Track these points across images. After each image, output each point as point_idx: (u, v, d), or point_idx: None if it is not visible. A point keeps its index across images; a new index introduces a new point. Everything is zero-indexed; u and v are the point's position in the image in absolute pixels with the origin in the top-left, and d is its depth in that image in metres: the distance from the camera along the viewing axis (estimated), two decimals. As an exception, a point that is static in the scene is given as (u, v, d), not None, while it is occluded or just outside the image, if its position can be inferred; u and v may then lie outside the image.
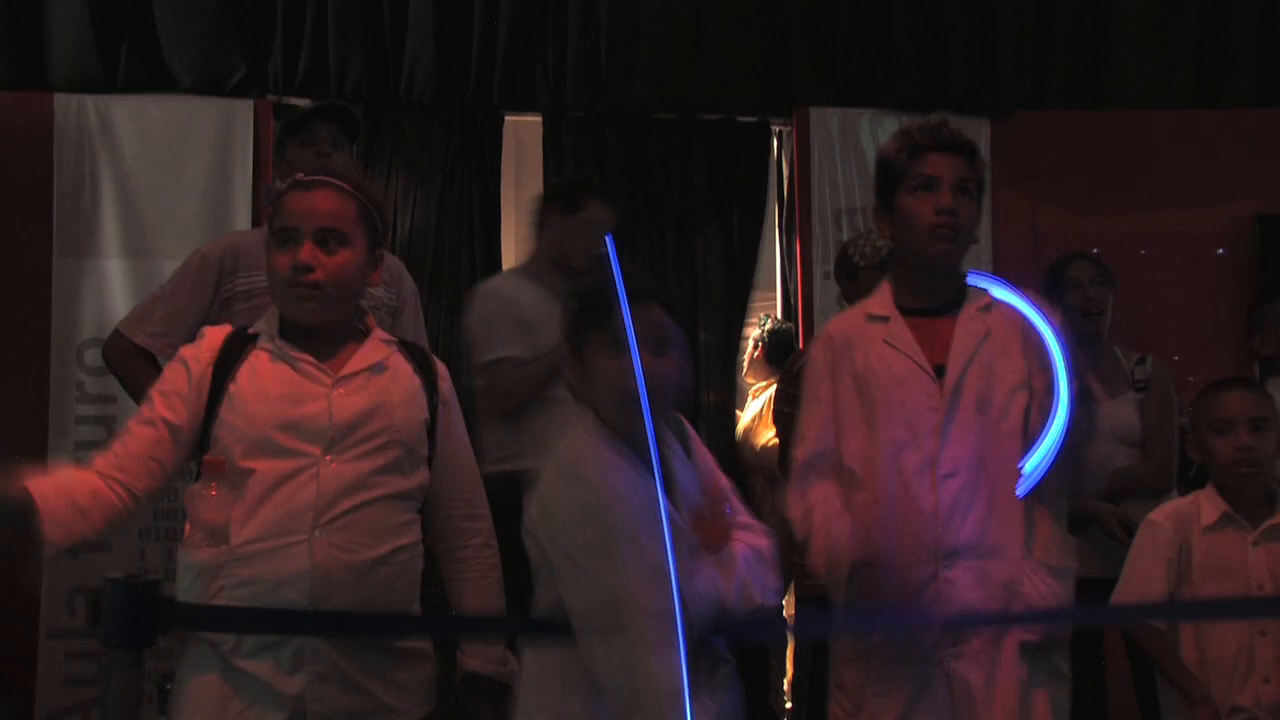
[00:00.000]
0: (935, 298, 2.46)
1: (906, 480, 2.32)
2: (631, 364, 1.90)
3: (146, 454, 2.15)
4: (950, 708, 2.27)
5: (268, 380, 2.19)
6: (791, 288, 5.03)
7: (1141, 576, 2.81)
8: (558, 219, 3.77)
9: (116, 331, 3.19)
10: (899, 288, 2.51)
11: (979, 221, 2.46)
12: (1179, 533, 2.77)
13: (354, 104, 4.51)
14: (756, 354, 5.01)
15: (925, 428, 2.33)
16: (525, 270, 3.86)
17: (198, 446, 2.19)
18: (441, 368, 2.37)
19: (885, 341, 2.43)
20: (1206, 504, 2.80)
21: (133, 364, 3.10)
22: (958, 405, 2.33)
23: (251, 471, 2.12)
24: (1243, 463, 2.75)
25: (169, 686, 2.24)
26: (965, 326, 2.40)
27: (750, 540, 2.07)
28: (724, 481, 2.17)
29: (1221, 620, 2.68)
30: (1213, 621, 2.69)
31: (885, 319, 2.46)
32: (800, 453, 2.47)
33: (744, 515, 2.13)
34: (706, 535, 2.02)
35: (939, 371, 2.37)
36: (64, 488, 2.05)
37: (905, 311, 2.46)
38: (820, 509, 2.34)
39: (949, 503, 2.29)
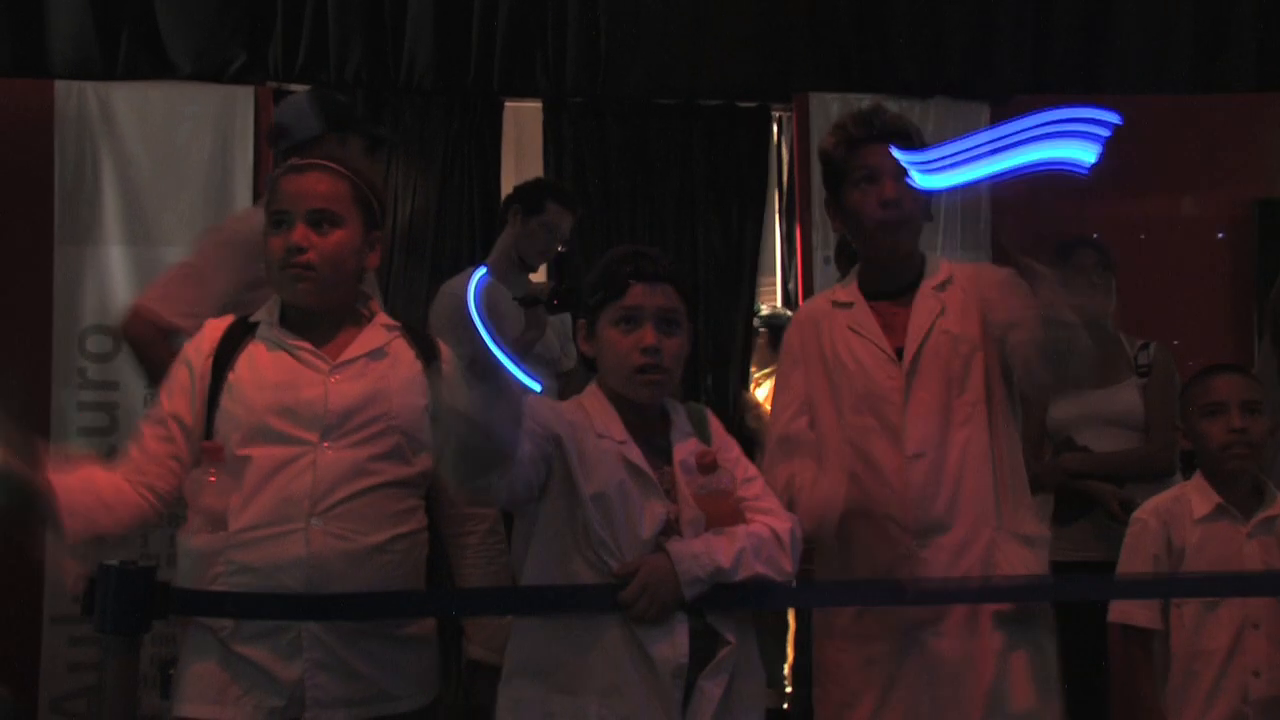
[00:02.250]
0: (894, 281, 2.48)
1: (876, 464, 2.35)
2: (640, 338, 2.08)
3: (163, 453, 2.19)
4: (930, 684, 2.29)
5: (265, 368, 2.20)
6: (791, 273, 5.03)
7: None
8: (517, 220, 3.90)
9: (139, 311, 2.93)
10: (865, 273, 2.53)
11: (928, 200, 2.46)
12: (1165, 527, 2.70)
13: (354, 90, 4.54)
14: (760, 342, 5.01)
15: (890, 411, 2.36)
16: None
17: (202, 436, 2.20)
18: (447, 353, 2.35)
19: (849, 328, 2.45)
20: (1196, 495, 2.72)
21: (161, 347, 2.85)
22: (916, 385, 2.36)
23: (249, 459, 2.13)
24: (1236, 445, 2.67)
25: (172, 671, 2.25)
26: (921, 305, 2.42)
27: (771, 522, 2.10)
28: (750, 470, 2.20)
29: (1203, 595, 2.61)
30: (1197, 597, 2.64)
31: (849, 305, 2.49)
32: (775, 430, 2.50)
33: (768, 500, 2.16)
34: (713, 514, 2.06)
35: (900, 354, 2.39)
36: (89, 482, 2.10)
37: (871, 296, 2.48)
38: (803, 473, 2.35)
39: (919, 483, 2.33)
